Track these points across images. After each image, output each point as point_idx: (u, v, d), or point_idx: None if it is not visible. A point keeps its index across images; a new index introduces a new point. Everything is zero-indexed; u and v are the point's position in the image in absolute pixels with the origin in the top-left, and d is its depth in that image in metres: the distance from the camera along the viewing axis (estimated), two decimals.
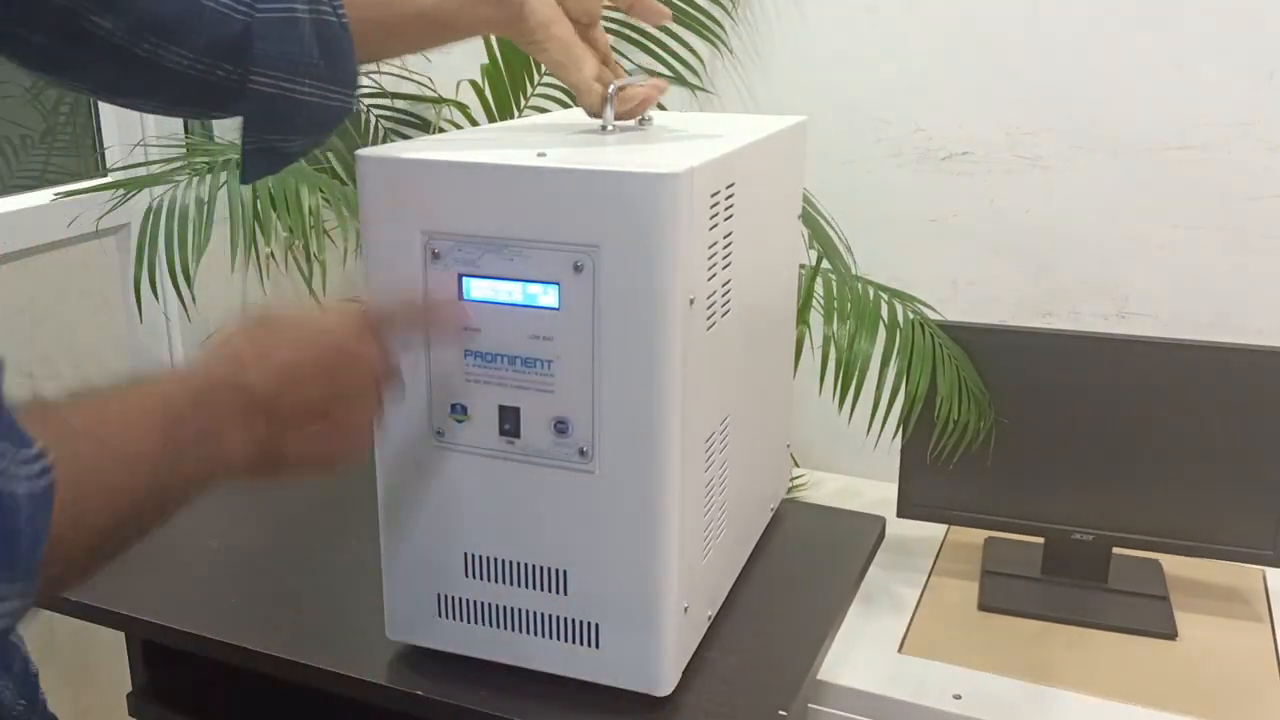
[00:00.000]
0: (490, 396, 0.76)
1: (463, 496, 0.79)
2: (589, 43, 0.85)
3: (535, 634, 0.80)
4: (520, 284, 0.74)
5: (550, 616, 0.79)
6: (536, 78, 1.89)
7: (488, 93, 1.84)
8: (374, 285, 0.77)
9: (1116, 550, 1.61)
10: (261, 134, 0.75)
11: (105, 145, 1.71)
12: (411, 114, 2.07)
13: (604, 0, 0.86)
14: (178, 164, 1.57)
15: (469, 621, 0.82)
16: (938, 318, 1.57)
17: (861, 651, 1.46)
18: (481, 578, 0.80)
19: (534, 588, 0.79)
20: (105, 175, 1.69)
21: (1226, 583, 1.64)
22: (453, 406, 0.78)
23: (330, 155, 1.80)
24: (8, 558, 0.46)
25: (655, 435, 0.73)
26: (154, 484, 0.56)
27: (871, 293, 1.55)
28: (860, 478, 1.97)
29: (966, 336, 1.57)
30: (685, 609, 0.79)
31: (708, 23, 1.88)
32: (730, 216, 0.80)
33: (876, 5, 1.83)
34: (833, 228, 1.60)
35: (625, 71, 0.87)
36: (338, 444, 0.66)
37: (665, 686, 0.79)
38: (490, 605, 0.81)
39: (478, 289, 0.75)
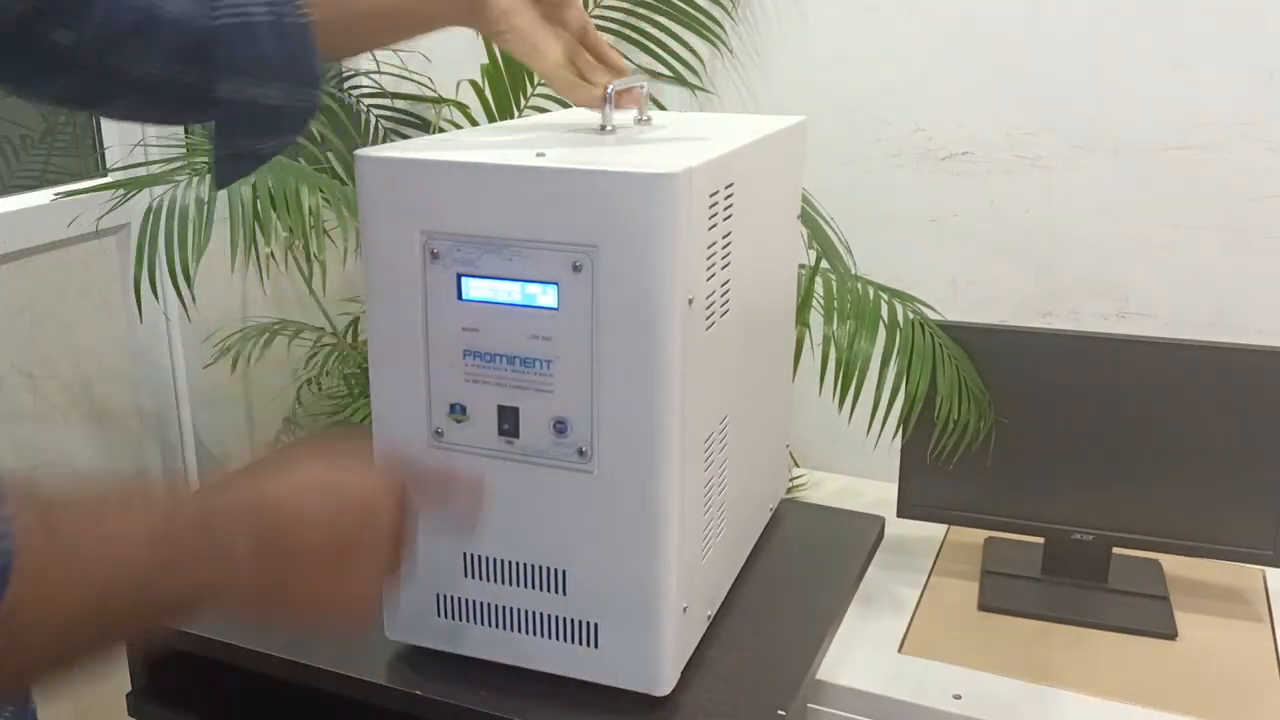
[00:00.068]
0: (489, 396, 0.77)
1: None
2: (561, 22, 0.83)
3: (534, 634, 0.80)
4: (519, 284, 0.74)
5: (549, 616, 0.79)
6: (537, 78, 1.89)
7: (488, 93, 1.84)
8: (373, 285, 0.78)
9: (1116, 550, 1.61)
10: (232, 139, 0.75)
11: (105, 145, 1.71)
12: (411, 114, 2.07)
13: None
14: (178, 164, 1.57)
15: (468, 621, 0.82)
16: (938, 318, 1.57)
17: (861, 651, 1.46)
18: (481, 578, 0.80)
19: (533, 588, 0.79)
20: (105, 175, 1.69)
21: (1226, 583, 1.64)
22: (452, 406, 0.78)
23: (330, 155, 1.80)
24: None
25: (654, 435, 0.73)
26: (135, 589, 0.52)
27: (871, 293, 1.55)
28: (860, 478, 1.97)
29: (966, 336, 1.57)
30: (684, 609, 0.79)
31: (708, 23, 1.88)
32: (729, 216, 0.80)
33: (876, 5, 1.83)
34: (832, 228, 1.60)
35: (623, 73, 0.87)
36: (345, 596, 0.62)
37: (664, 686, 0.79)
38: (490, 605, 0.81)
39: (476, 289, 0.75)
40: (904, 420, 1.55)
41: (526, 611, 0.80)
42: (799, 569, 1.01)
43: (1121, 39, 1.71)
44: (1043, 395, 1.56)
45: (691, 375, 0.75)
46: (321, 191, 1.57)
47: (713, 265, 0.78)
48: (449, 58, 2.04)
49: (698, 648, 0.86)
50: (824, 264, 1.57)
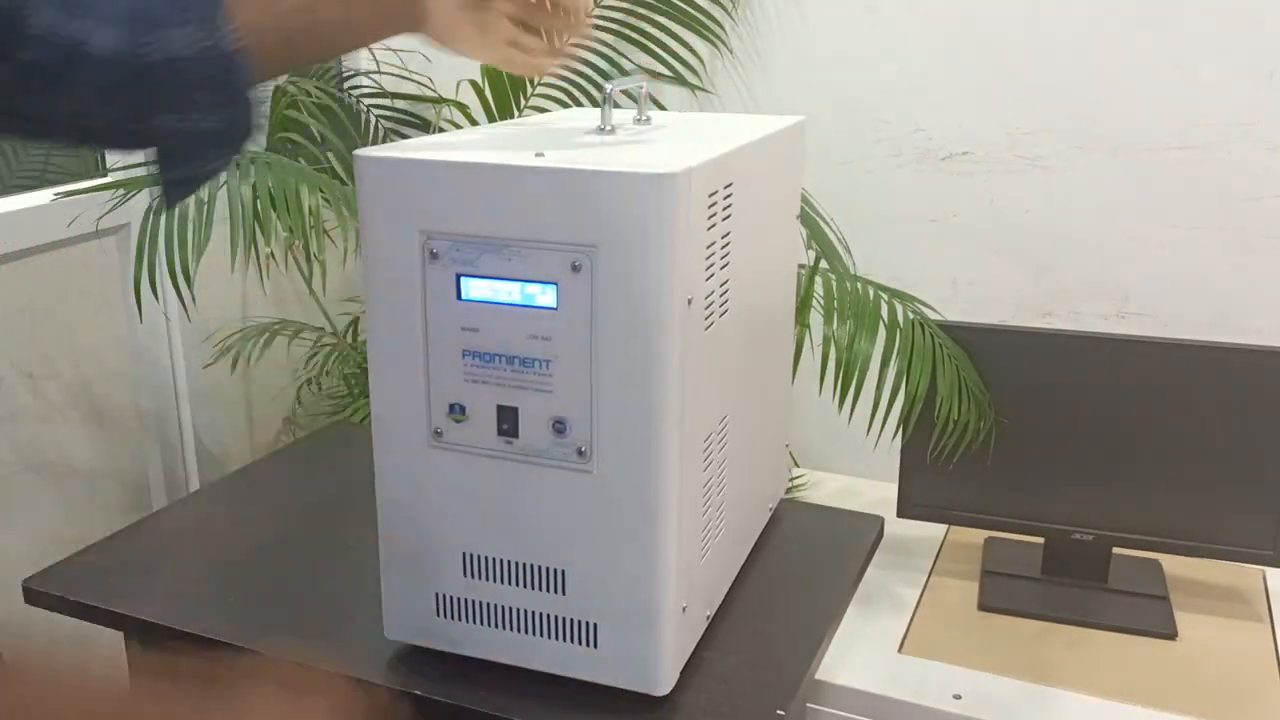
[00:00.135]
0: (488, 396, 0.77)
1: (461, 497, 0.79)
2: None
3: (534, 634, 0.80)
4: (518, 284, 0.74)
5: (549, 616, 0.79)
6: (537, 78, 1.90)
7: (488, 93, 1.84)
8: (373, 285, 0.78)
9: (1116, 550, 1.61)
10: (172, 167, 0.74)
11: None
12: (411, 114, 2.07)
13: None
14: None
15: (467, 621, 0.82)
16: (938, 318, 1.57)
17: (861, 651, 1.46)
18: (480, 577, 0.80)
19: (532, 587, 0.79)
20: (105, 175, 1.69)
21: (1226, 583, 1.64)
22: (451, 406, 0.78)
23: (330, 155, 1.80)
24: None
25: (653, 435, 0.73)
26: None
27: (871, 293, 1.55)
28: (860, 478, 1.97)
29: (966, 336, 1.57)
30: (684, 609, 0.80)
31: (708, 23, 1.88)
32: (729, 216, 0.81)
33: (876, 5, 1.83)
34: (831, 228, 1.60)
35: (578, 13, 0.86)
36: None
37: (664, 686, 0.79)
38: (489, 605, 0.81)
39: (475, 289, 0.75)
40: (904, 420, 1.56)
41: (526, 611, 0.80)
42: (798, 569, 1.01)
43: (1121, 39, 1.71)
44: (1043, 395, 1.56)
45: (691, 375, 0.75)
46: (321, 191, 1.57)
47: (712, 265, 0.78)
48: (449, 58, 2.04)
49: (697, 648, 0.86)
50: (823, 264, 1.57)
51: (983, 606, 1.58)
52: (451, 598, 0.82)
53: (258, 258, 1.58)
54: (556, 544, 0.78)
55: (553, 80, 1.91)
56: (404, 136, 2.02)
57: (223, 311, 1.89)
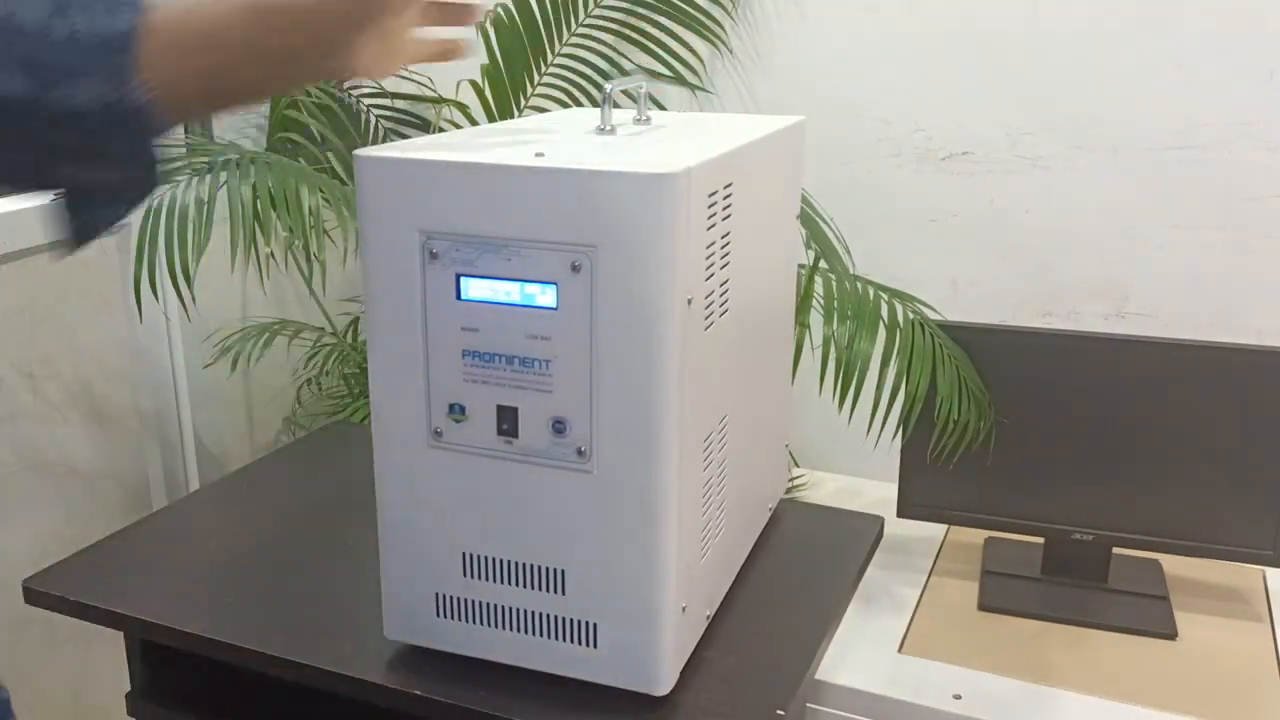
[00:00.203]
0: (488, 396, 0.77)
1: (461, 497, 0.79)
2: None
3: (533, 634, 0.80)
4: (518, 284, 0.74)
5: (548, 616, 0.79)
6: (536, 78, 1.90)
7: (488, 93, 1.84)
8: (372, 285, 0.78)
9: (1116, 550, 1.61)
10: (77, 213, 0.72)
11: None
12: (411, 114, 2.07)
13: None
14: (178, 164, 1.57)
15: (467, 621, 0.82)
16: (938, 318, 1.57)
17: (861, 651, 1.46)
18: (480, 577, 0.80)
19: (532, 587, 0.79)
20: None
21: (1226, 583, 1.64)
22: (450, 406, 0.78)
23: (330, 155, 1.81)
24: None
25: (653, 435, 0.73)
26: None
27: (871, 293, 1.55)
28: (860, 478, 1.97)
29: (966, 336, 1.57)
30: (683, 608, 0.80)
31: (708, 23, 1.88)
32: (728, 216, 0.81)
33: (876, 5, 1.83)
34: (831, 228, 1.60)
35: None
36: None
37: (663, 686, 0.79)
38: (488, 605, 0.81)
39: (475, 289, 0.75)
40: (904, 420, 1.56)
41: (525, 611, 0.80)
42: (798, 569, 1.01)
43: (1121, 39, 1.71)
44: (1043, 395, 1.56)
45: (690, 375, 0.75)
46: (321, 191, 1.57)
47: (712, 265, 0.78)
48: None
49: (697, 648, 0.86)
50: (823, 264, 1.57)
51: (983, 606, 1.58)
52: (451, 598, 0.82)
53: (258, 258, 1.58)
54: (556, 544, 0.78)
55: (553, 80, 1.91)
56: (404, 136, 2.02)
57: (223, 311, 1.89)
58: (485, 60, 1.84)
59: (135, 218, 1.57)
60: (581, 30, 1.91)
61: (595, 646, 0.79)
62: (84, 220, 0.72)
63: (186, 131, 1.78)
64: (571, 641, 0.79)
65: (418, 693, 0.81)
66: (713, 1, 1.88)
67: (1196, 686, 1.40)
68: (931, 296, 1.64)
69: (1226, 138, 1.69)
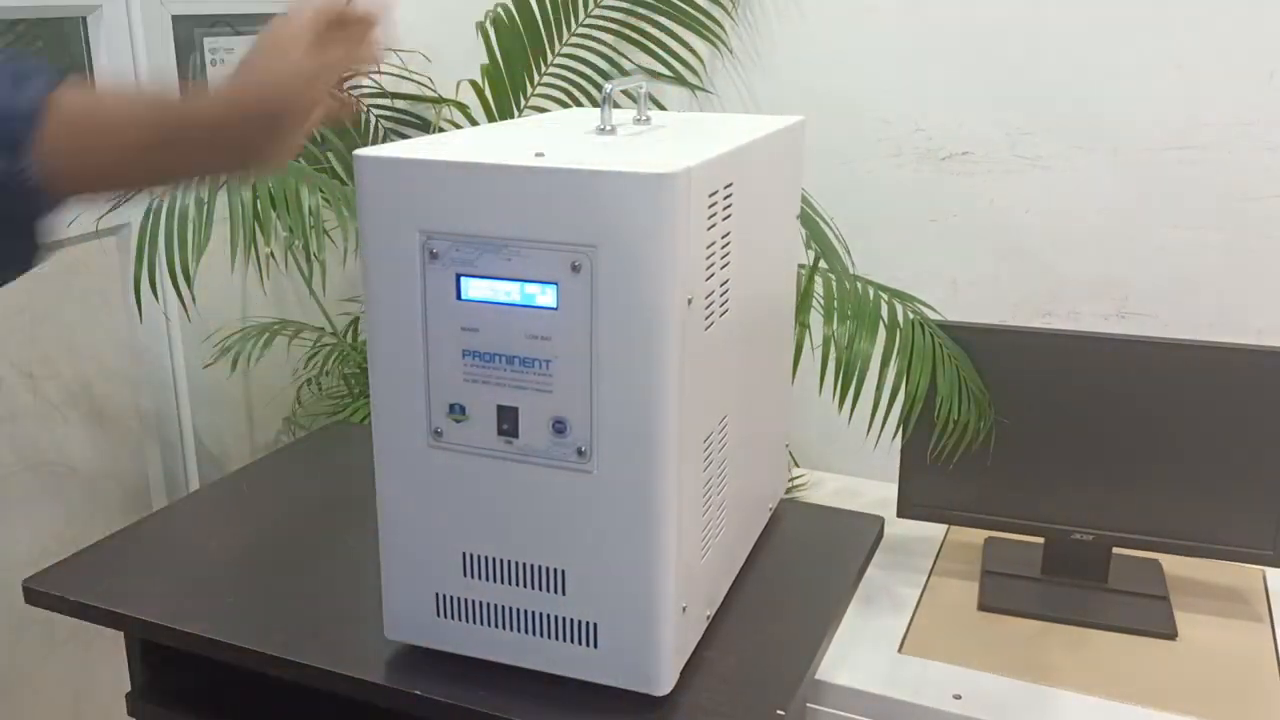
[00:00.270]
0: (488, 396, 0.77)
1: (461, 496, 0.79)
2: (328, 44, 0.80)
3: (533, 634, 0.80)
4: (518, 284, 0.74)
5: (548, 616, 0.79)
6: (536, 78, 1.90)
7: (488, 93, 1.84)
8: (372, 285, 0.78)
9: (1116, 550, 1.61)
10: None
11: None
12: (411, 114, 2.07)
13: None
14: None
15: (467, 621, 0.82)
16: (938, 318, 1.57)
17: (861, 651, 1.46)
18: (480, 577, 0.80)
19: (532, 587, 0.79)
20: None
21: (1226, 583, 1.64)
22: (451, 406, 0.78)
23: (330, 155, 1.81)
24: None
25: (653, 435, 0.73)
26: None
27: (871, 292, 1.55)
28: (860, 478, 1.97)
29: (966, 336, 1.57)
30: (684, 608, 0.80)
31: (708, 23, 1.88)
32: (729, 216, 0.81)
33: (876, 5, 1.83)
34: (830, 228, 1.60)
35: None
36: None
37: (664, 686, 0.79)
38: (489, 605, 0.81)
39: (476, 289, 0.75)
40: (904, 420, 1.55)
41: (526, 611, 0.80)
42: (799, 569, 1.01)
43: (1121, 39, 1.71)
44: (1043, 395, 1.56)
45: (690, 375, 0.75)
46: (321, 191, 1.57)
47: (712, 265, 0.78)
48: (449, 58, 2.04)
49: (697, 647, 0.86)
50: (823, 264, 1.57)
51: (983, 606, 1.58)
52: (451, 598, 0.82)
53: (258, 258, 1.58)
54: (556, 544, 0.78)
55: (553, 80, 1.91)
56: (404, 136, 2.02)
57: (223, 311, 1.89)
58: (485, 60, 1.84)
59: (135, 217, 1.57)
60: (581, 30, 1.91)
61: (595, 646, 0.79)
62: None
63: None
64: (571, 641, 0.79)
65: (418, 693, 0.81)
66: (713, 1, 1.88)
67: (1196, 686, 1.40)
68: (931, 296, 1.64)
69: (1226, 138, 1.69)
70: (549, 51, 1.89)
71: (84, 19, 1.64)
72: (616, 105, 0.87)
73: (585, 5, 1.89)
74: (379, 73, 0.84)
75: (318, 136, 1.82)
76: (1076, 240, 1.81)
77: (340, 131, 1.86)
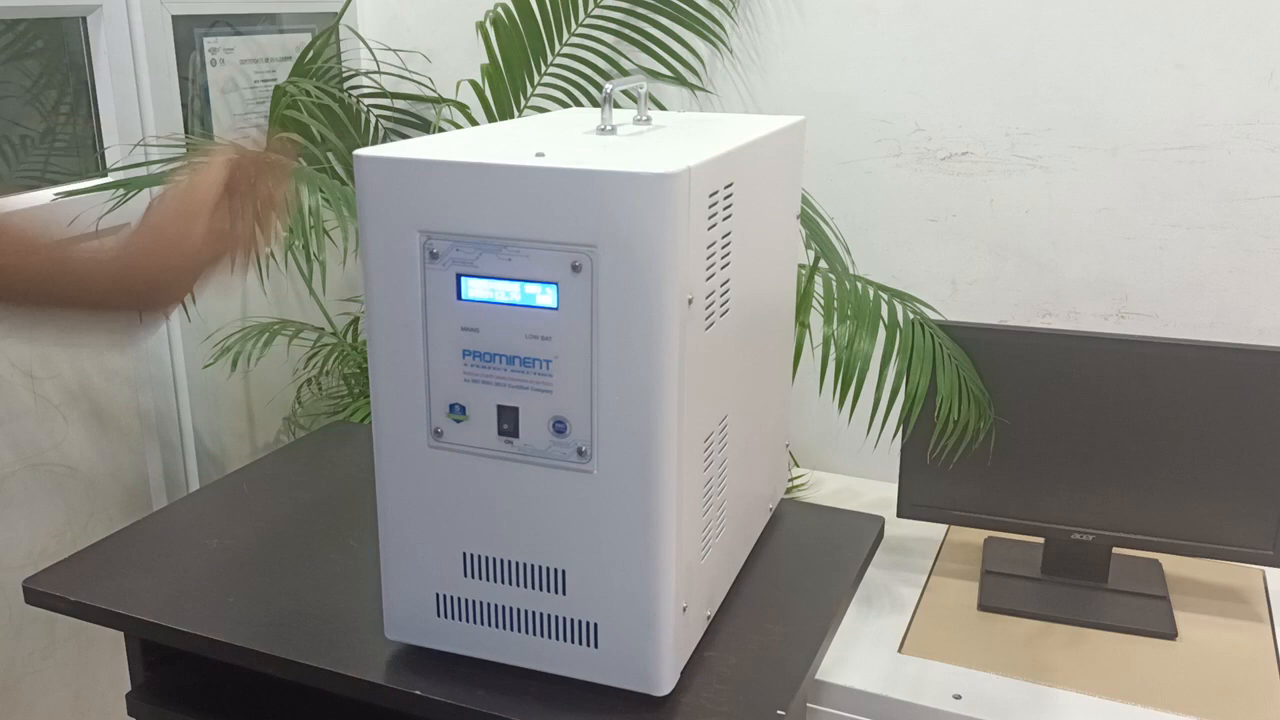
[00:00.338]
0: (488, 396, 0.77)
1: (461, 496, 0.79)
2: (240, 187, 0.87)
3: (534, 634, 0.80)
4: (518, 284, 0.74)
5: (549, 616, 0.79)
6: (536, 78, 1.90)
7: (488, 93, 1.84)
8: (372, 285, 0.78)
9: (1116, 550, 1.61)
10: None
11: (105, 145, 1.71)
12: (411, 114, 2.07)
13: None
14: (178, 164, 1.57)
15: (468, 621, 0.82)
16: (938, 318, 1.57)
17: (861, 651, 1.46)
18: (480, 578, 0.80)
19: (532, 588, 0.79)
20: (105, 175, 1.69)
21: (1226, 583, 1.64)
22: (451, 406, 0.78)
23: (330, 155, 1.80)
24: None
25: (653, 435, 0.73)
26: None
27: (871, 292, 1.55)
28: (860, 478, 1.97)
29: (966, 336, 1.57)
30: (684, 608, 0.80)
31: (708, 23, 1.88)
32: (729, 216, 0.81)
33: (876, 5, 1.83)
34: (831, 228, 1.60)
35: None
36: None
37: (664, 686, 0.79)
38: (489, 605, 0.81)
39: (476, 289, 0.75)
40: (904, 420, 1.56)
41: (526, 611, 0.80)
42: (799, 569, 1.01)
43: (1121, 39, 1.71)
44: (1043, 395, 1.56)
45: (690, 375, 0.75)
46: (321, 191, 1.57)
47: (712, 265, 0.78)
48: (449, 58, 2.04)
49: (697, 648, 0.86)
50: (823, 264, 1.57)
51: (983, 606, 1.58)
52: (451, 598, 0.82)
53: (258, 258, 1.58)
54: (556, 544, 0.78)
55: (553, 80, 1.91)
56: (404, 136, 2.02)
57: (223, 311, 1.89)
58: (485, 60, 1.84)
59: (136, 218, 1.56)
60: (581, 30, 1.91)
61: (595, 646, 0.79)
62: None
63: (187, 131, 1.78)
64: (571, 641, 0.79)
65: (418, 693, 0.81)
66: (713, 1, 1.88)
67: (1196, 686, 1.40)
68: (931, 296, 1.64)
69: (1226, 138, 1.69)
70: (549, 51, 1.89)
71: (84, 19, 1.64)
72: (617, 105, 0.87)
73: (585, 5, 1.89)
74: (284, 228, 0.91)
75: (317, 136, 1.82)
76: (1076, 240, 1.81)
77: (340, 131, 1.86)
